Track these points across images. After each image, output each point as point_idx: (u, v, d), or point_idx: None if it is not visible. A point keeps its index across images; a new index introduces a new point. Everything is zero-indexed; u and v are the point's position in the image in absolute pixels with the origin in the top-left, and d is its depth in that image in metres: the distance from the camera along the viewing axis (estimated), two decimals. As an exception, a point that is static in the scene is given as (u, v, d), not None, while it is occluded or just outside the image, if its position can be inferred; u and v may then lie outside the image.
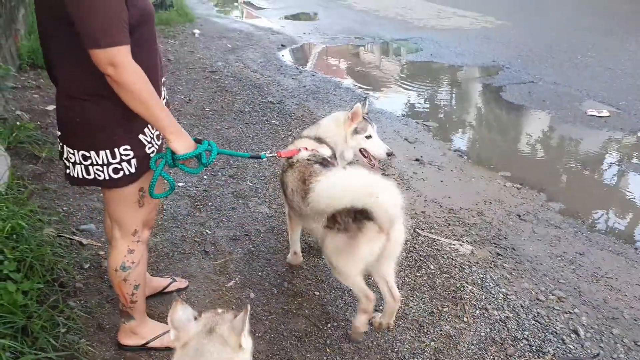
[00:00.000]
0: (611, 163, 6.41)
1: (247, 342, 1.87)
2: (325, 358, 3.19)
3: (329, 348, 3.26)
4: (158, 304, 3.48)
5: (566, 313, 3.63)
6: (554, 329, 3.45)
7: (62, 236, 4.02)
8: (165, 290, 3.58)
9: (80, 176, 2.47)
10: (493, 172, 5.90)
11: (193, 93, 7.62)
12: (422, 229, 4.52)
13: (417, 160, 5.96)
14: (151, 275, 3.67)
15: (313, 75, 9.03)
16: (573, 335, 3.42)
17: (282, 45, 11.09)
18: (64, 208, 4.42)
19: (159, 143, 2.60)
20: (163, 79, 2.76)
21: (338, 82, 8.84)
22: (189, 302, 3.59)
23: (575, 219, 4.95)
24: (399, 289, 3.69)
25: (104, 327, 3.36)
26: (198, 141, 2.56)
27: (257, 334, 3.35)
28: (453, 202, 5.10)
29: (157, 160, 2.50)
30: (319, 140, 3.59)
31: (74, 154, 2.43)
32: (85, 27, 2.05)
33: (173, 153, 2.43)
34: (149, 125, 2.48)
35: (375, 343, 3.30)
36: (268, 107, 7.27)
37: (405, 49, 11.72)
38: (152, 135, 2.52)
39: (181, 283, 3.69)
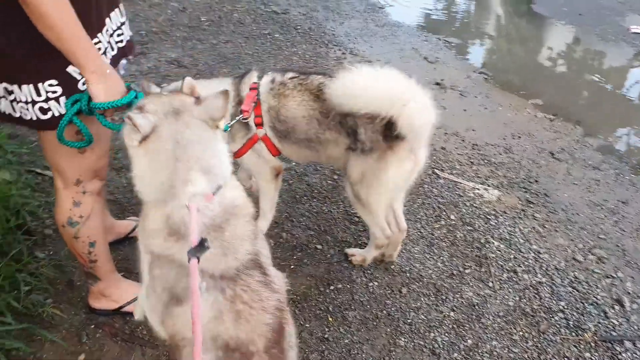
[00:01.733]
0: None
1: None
2: (326, 329, 2.74)
3: (332, 316, 2.80)
4: (128, 252, 2.99)
5: (608, 277, 3.14)
6: (594, 299, 2.97)
7: (32, 171, 3.50)
8: (132, 235, 3.10)
9: (7, 112, 1.99)
10: (523, 100, 5.22)
11: (188, 0, 6.82)
12: (442, 169, 3.95)
13: (437, 84, 5.28)
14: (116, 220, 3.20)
15: (323, -20, 8.13)
16: (617, 307, 2.94)
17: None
18: (35, 139, 3.86)
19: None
20: (115, 11, 2.17)
21: (351, -12, 7.95)
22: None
23: (618, 159, 4.35)
24: (414, 243, 3.22)
25: (74, 284, 2.91)
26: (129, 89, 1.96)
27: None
28: (477, 135, 4.49)
29: (75, 101, 1.94)
30: None
31: None
32: None
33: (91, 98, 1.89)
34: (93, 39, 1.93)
35: (385, 312, 2.83)
36: (271, 17, 6.49)
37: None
38: None
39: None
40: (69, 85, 1.94)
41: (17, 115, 1.97)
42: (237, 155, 2.82)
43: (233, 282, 1.62)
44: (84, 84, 1.92)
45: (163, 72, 4.94)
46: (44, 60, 1.85)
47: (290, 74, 2.76)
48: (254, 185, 3.34)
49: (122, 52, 2.24)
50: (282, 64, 5.32)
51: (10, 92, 1.92)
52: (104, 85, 1.84)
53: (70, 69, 1.91)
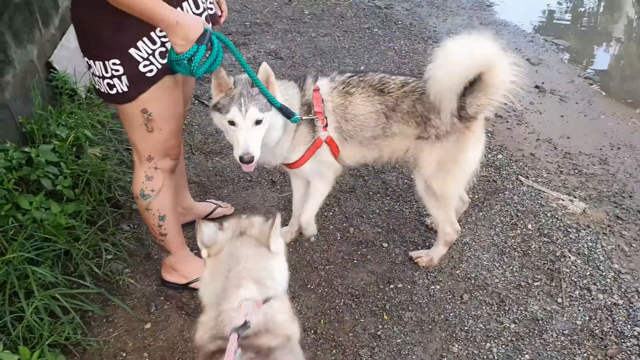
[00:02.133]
0: None
1: (276, 244, 1.78)
2: (380, 327, 2.76)
3: (388, 314, 2.81)
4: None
5: (696, 307, 2.89)
6: (675, 328, 2.75)
7: (129, 149, 3.78)
8: (210, 217, 3.27)
9: (95, 86, 2.33)
10: (629, 109, 4.88)
11: (295, -7, 6.99)
12: (527, 176, 3.80)
13: (536, 87, 5.07)
14: (199, 201, 3.42)
15: (432, -24, 8.00)
16: (700, 341, 2.70)
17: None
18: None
19: (162, 61, 2.19)
20: None
21: (460, -16, 7.76)
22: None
23: None
24: (485, 250, 3.15)
25: (152, 257, 3.14)
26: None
27: (309, 286, 2.97)
28: (572, 143, 4.26)
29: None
30: None
31: (85, 60, 2.24)
32: None
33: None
34: (145, 39, 2.12)
35: (442, 316, 2.80)
36: (373, 12, 6.51)
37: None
38: (149, 51, 2.15)
39: (227, 209, 3.41)
40: (131, 66, 2.14)
41: (96, 87, 2.28)
42: (299, 163, 2.78)
43: None
44: (145, 66, 2.17)
45: (260, 62, 5.10)
46: (109, 41, 2.09)
47: (348, 73, 2.78)
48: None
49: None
50: (375, 58, 5.34)
51: (90, 67, 2.20)
52: (175, 36, 2.00)
53: (132, 51, 2.11)
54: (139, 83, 2.20)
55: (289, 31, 5.92)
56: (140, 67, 2.16)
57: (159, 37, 2.16)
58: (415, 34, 5.96)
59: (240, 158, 2.39)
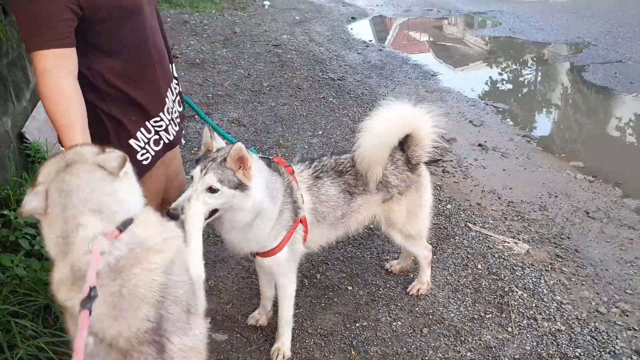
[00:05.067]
0: None
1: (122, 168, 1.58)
2: (349, 361, 2.97)
3: (355, 350, 3.02)
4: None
5: (629, 330, 3.20)
6: (612, 349, 3.04)
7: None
8: None
9: None
10: (564, 162, 5.38)
11: (253, 67, 7.46)
12: (475, 223, 4.15)
13: (479, 145, 5.54)
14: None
15: (380, 50, 8.66)
16: (635, 358, 3.00)
17: (352, 18, 10.74)
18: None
19: (156, 148, 2.42)
20: (173, 84, 2.58)
21: (406, 57, 8.44)
22: (216, 288, 3.46)
23: (654, 220, 4.42)
24: (440, 288, 3.43)
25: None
26: None
27: (281, 329, 3.17)
28: (514, 193, 4.68)
29: None
30: None
31: None
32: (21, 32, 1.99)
33: None
34: (142, 129, 2.34)
35: (405, 349, 3.03)
36: (327, 83, 7.01)
37: (482, 22, 11.03)
38: (146, 140, 2.37)
39: None
40: (130, 156, 2.31)
41: None
42: (277, 249, 2.71)
43: (123, 357, 1.50)
44: (142, 154, 2.39)
45: (224, 129, 5.43)
46: (110, 130, 2.27)
47: (308, 161, 3.01)
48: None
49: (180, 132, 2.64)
50: (332, 124, 5.75)
51: None
52: None
53: (132, 142, 2.33)
54: (139, 171, 2.24)
55: (249, 101, 6.32)
56: (138, 156, 2.34)
57: (153, 127, 2.39)
58: (366, 102, 6.44)
59: (170, 209, 2.20)
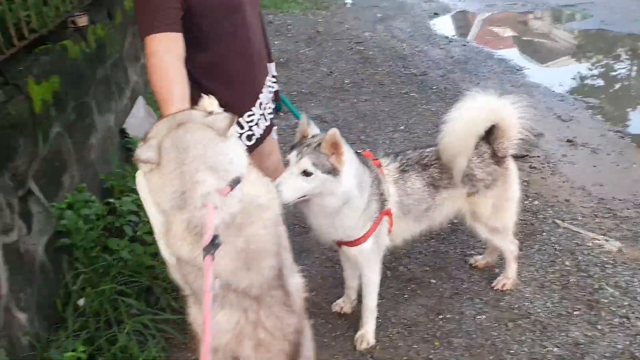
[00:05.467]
0: None
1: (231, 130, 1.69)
2: (433, 351, 3.00)
3: (438, 341, 3.06)
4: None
5: None
6: None
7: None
8: None
9: None
10: (661, 158, 5.12)
11: (335, 65, 7.55)
12: (563, 220, 4.05)
13: (568, 141, 5.36)
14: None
15: (463, 45, 8.52)
16: None
17: (435, 14, 10.60)
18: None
19: (248, 143, 2.59)
20: (269, 81, 2.73)
21: (490, 52, 8.24)
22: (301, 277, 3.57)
23: None
24: (526, 284, 3.39)
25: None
26: None
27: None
28: (605, 190, 4.50)
29: None
30: None
31: None
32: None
33: None
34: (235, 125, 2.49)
35: (490, 341, 3.03)
36: (410, 79, 7.00)
37: (570, 16, 10.61)
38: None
39: None
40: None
41: None
42: (362, 239, 2.81)
43: (257, 304, 1.64)
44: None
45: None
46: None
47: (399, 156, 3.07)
48: None
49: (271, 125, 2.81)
50: (414, 119, 5.75)
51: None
52: None
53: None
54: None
55: (331, 98, 6.43)
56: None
57: (247, 122, 2.57)
58: (449, 96, 6.36)
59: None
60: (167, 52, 2.10)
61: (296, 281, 1.80)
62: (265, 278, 1.62)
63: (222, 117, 1.69)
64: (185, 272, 1.68)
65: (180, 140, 1.61)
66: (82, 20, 4.04)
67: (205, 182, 1.57)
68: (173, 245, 1.64)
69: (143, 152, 1.61)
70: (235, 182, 1.62)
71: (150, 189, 1.65)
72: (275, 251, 1.68)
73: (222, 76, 2.40)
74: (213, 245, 1.47)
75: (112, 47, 4.61)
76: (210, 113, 1.74)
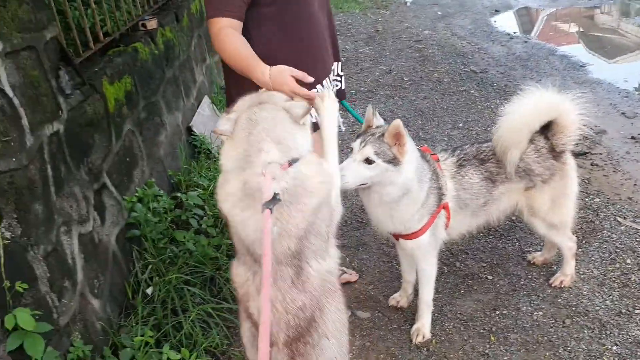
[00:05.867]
0: None
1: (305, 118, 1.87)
2: (488, 346, 3.03)
3: (494, 336, 3.09)
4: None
5: None
6: None
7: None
8: None
9: None
10: None
11: (395, 63, 7.62)
12: (625, 217, 3.98)
13: (633, 138, 5.23)
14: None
15: (525, 42, 8.41)
16: None
17: (496, 11, 10.48)
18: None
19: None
20: (330, 79, 2.80)
21: (553, 48, 8.10)
22: (359, 270, 3.66)
23: None
24: (584, 281, 3.38)
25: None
26: None
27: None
28: (672, 188, 4.39)
29: None
30: None
31: None
32: None
33: None
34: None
35: (546, 338, 3.04)
36: (469, 76, 6.98)
37: (641, 8, 10.26)
38: None
39: (352, 276, 3.57)
40: None
41: None
42: (419, 232, 2.86)
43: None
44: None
45: (366, 123, 5.65)
46: None
47: (457, 150, 3.12)
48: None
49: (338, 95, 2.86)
50: (473, 117, 5.74)
51: None
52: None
53: None
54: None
55: (390, 96, 6.50)
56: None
57: None
58: (510, 93, 6.26)
59: None
60: (234, 30, 2.31)
61: (322, 266, 1.82)
62: (276, 255, 1.69)
63: (300, 105, 1.88)
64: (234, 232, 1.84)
65: (255, 115, 1.81)
66: (152, 24, 4.28)
67: (269, 152, 1.74)
68: (219, 195, 1.81)
69: (222, 124, 1.83)
70: (294, 160, 1.77)
71: (222, 155, 1.86)
72: (299, 235, 1.74)
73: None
74: (274, 200, 1.63)
75: (180, 49, 4.84)
76: (291, 98, 1.95)
